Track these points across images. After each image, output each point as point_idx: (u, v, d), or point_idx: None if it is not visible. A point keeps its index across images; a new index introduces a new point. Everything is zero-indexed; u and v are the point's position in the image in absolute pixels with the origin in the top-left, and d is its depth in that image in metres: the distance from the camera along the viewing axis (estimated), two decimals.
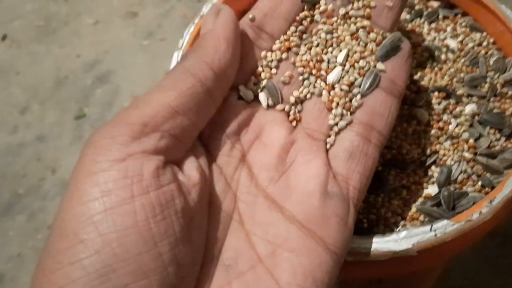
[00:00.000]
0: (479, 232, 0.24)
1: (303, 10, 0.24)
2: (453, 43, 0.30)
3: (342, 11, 0.23)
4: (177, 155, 0.19)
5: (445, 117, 0.27)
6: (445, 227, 0.23)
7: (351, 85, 0.23)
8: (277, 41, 0.23)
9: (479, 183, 0.26)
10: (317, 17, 0.24)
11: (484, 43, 0.30)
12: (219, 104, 0.21)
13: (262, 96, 0.23)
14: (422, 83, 0.28)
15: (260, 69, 0.23)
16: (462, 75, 0.29)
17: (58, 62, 0.64)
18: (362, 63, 0.23)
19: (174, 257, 0.17)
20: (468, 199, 0.26)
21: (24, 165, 0.56)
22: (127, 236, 0.16)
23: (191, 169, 0.19)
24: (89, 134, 0.56)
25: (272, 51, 0.23)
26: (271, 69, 0.23)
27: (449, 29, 0.31)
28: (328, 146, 0.22)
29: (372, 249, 0.23)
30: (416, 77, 0.28)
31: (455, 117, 0.27)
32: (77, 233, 0.16)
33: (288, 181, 0.21)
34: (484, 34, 0.31)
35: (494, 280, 0.44)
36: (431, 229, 0.23)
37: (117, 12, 0.67)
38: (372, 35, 0.23)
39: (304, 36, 0.24)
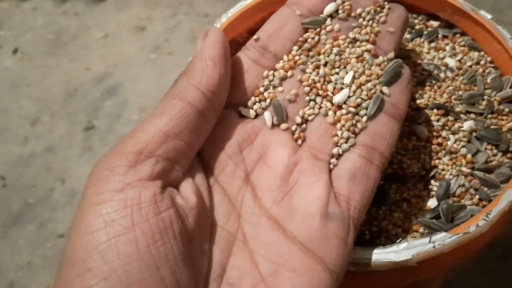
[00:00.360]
0: (476, 244, 0.25)
1: (306, 31, 0.25)
2: (452, 62, 0.31)
3: (351, 35, 0.25)
4: (174, 177, 0.20)
5: (444, 133, 0.28)
6: (443, 239, 0.24)
7: (357, 107, 0.24)
8: (281, 61, 0.24)
9: (477, 196, 0.27)
10: (323, 37, 0.25)
11: (482, 62, 0.31)
12: (214, 123, 0.22)
13: (267, 115, 0.24)
14: (422, 100, 0.29)
15: (262, 88, 0.24)
16: (460, 92, 0.30)
17: (68, 75, 0.66)
18: (368, 86, 0.24)
19: (176, 280, 0.18)
20: (466, 212, 0.27)
21: (34, 176, 0.57)
22: (131, 263, 0.17)
23: (188, 192, 0.20)
24: (98, 145, 0.58)
25: (275, 70, 0.24)
26: (274, 87, 0.24)
27: (448, 48, 0.32)
28: (331, 166, 0.23)
29: (373, 260, 0.24)
30: (416, 95, 0.29)
31: (454, 133, 0.28)
32: (85, 262, 0.17)
33: (291, 202, 0.22)
34: (482, 53, 0.32)
35: None
36: (430, 241, 0.24)
37: (125, 27, 0.69)
38: (377, 59, 0.24)
39: (311, 53, 0.25)
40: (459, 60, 0.31)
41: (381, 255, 0.24)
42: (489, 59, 0.31)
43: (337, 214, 0.21)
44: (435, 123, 0.29)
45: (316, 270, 0.20)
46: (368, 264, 0.24)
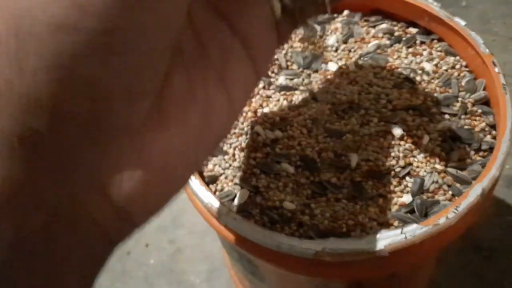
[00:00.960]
0: (447, 236, 0.27)
1: None
2: (428, 66, 0.33)
3: None
4: None
5: (419, 132, 0.30)
6: (414, 230, 0.25)
7: None
8: None
9: (450, 192, 0.28)
10: None
11: (457, 66, 0.33)
12: None
13: None
14: (398, 102, 0.31)
15: None
16: (436, 95, 0.31)
17: None
18: None
19: None
20: (439, 207, 0.28)
21: None
22: None
23: None
24: None
25: None
26: None
27: (425, 53, 0.34)
28: None
29: (347, 250, 0.25)
30: (392, 96, 0.31)
31: (428, 133, 0.30)
32: None
33: None
34: (458, 57, 0.33)
35: None
36: (401, 232, 0.25)
37: None
38: None
39: None
40: (436, 65, 0.33)
41: (355, 245, 0.25)
42: (464, 63, 0.33)
43: None
44: (410, 123, 0.30)
45: None
46: (343, 254, 0.25)
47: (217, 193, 0.30)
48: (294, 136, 0.30)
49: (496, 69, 0.30)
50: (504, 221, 0.50)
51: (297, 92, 0.33)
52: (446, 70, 0.33)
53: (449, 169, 0.29)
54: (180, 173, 0.17)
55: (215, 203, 0.28)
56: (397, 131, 0.29)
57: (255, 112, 0.32)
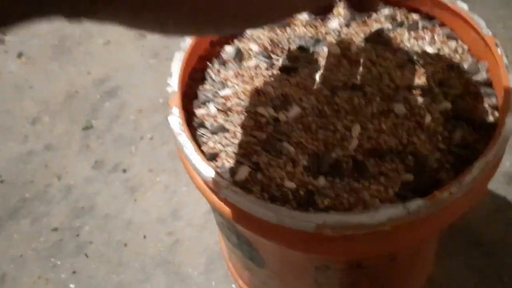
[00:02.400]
0: (450, 214, 0.26)
1: None
2: (430, 49, 0.33)
3: None
4: None
5: (421, 112, 0.30)
6: (417, 205, 0.25)
7: None
8: None
9: (452, 171, 0.28)
10: None
11: (459, 50, 0.33)
12: None
13: None
14: (401, 82, 0.31)
15: None
16: (438, 76, 0.31)
17: (70, 78, 0.68)
18: None
19: None
20: (442, 185, 0.28)
21: (32, 172, 0.58)
22: None
23: None
24: (95, 144, 0.59)
25: None
26: None
27: (427, 37, 0.34)
28: None
29: (349, 224, 0.25)
30: (394, 76, 0.31)
31: (431, 112, 0.30)
32: None
33: None
34: (460, 42, 0.33)
35: None
36: (404, 207, 0.25)
37: (127, 34, 0.71)
38: None
39: None
40: (438, 48, 0.33)
41: (356, 219, 0.25)
42: (466, 47, 0.33)
43: None
44: (413, 103, 0.30)
45: None
46: (344, 227, 0.25)
47: (218, 169, 0.30)
48: (296, 116, 0.30)
49: (499, 50, 0.30)
50: (504, 218, 0.50)
51: (299, 73, 0.33)
52: (449, 54, 0.33)
53: (452, 148, 0.29)
54: None
55: (215, 178, 0.27)
56: (400, 109, 0.29)
57: (257, 91, 0.32)
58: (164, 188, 0.56)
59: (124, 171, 0.58)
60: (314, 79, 0.32)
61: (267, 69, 0.34)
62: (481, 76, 0.31)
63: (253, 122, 0.30)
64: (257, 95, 0.31)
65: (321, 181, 0.28)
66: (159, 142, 0.60)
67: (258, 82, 0.32)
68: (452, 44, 0.33)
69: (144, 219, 0.54)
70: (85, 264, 0.51)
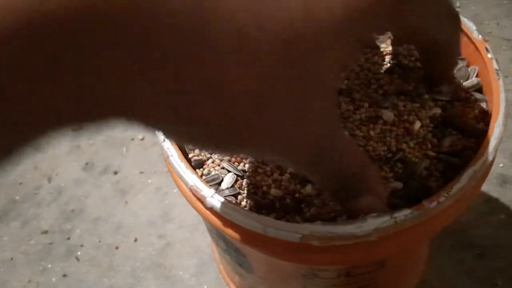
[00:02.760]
0: (438, 222, 0.26)
1: None
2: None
3: None
4: None
5: (410, 118, 0.29)
6: (404, 215, 0.25)
7: None
8: None
9: (441, 179, 0.28)
10: None
11: None
12: None
13: None
14: (390, 87, 0.30)
15: None
16: (428, 81, 0.31)
17: None
18: None
19: None
20: (431, 193, 0.27)
21: (21, 174, 0.58)
22: None
23: None
24: (85, 144, 0.58)
25: None
26: None
27: None
28: None
29: (336, 234, 0.25)
30: (382, 81, 0.30)
31: (420, 119, 0.29)
32: None
33: None
34: None
35: None
36: (392, 217, 0.25)
37: None
38: None
39: None
40: None
41: (343, 229, 0.25)
42: None
43: None
44: (401, 109, 0.29)
45: None
46: (331, 238, 0.25)
47: (204, 177, 0.29)
48: None
49: (489, 55, 0.30)
50: (497, 220, 0.50)
51: None
52: None
53: (441, 156, 0.28)
54: None
55: (200, 186, 0.27)
56: (388, 115, 0.29)
57: None
58: (155, 190, 0.55)
59: (115, 173, 0.57)
60: None
61: None
62: (471, 81, 0.30)
63: None
64: None
65: (308, 189, 0.28)
66: (150, 143, 0.59)
67: None
68: None
69: (135, 222, 0.54)
70: (76, 268, 0.51)
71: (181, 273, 0.50)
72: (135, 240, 0.52)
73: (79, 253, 0.52)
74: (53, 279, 0.50)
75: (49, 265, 0.51)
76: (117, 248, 0.52)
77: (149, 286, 0.49)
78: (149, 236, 0.52)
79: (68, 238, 0.53)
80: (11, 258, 0.52)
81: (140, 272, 0.50)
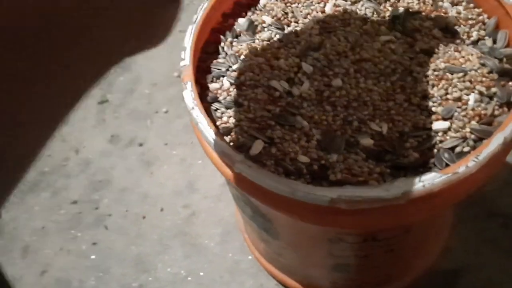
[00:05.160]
0: (466, 186, 0.26)
1: None
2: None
3: None
4: None
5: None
6: (433, 179, 0.25)
7: None
8: None
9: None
10: None
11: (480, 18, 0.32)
12: None
13: None
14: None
15: None
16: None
17: None
18: None
19: None
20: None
21: (49, 146, 0.59)
22: None
23: None
24: (110, 118, 0.59)
25: None
26: None
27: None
28: None
29: (364, 197, 0.25)
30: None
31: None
32: None
33: None
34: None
35: (495, 261, 0.45)
36: (419, 180, 0.25)
37: None
38: None
39: None
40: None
41: (371, 192, 0.25)
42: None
43: None
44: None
45: None
46: (359, 201, 0.25)
47: (232, 144, 0.30)
48: (306, 92, 0.30)
49: None
50: None
51: (301, 41, 0.32)
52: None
53: (472, 122, 0.28)
54: None
55: (229, 152, 0.27)
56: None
57: (271, 64, 0.31)
58: (180, 161, 0.56)
59: (140, 145, 0.58)
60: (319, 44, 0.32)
61: (280, 41, 0.33)
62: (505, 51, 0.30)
63: (266, 96, 0.30)
64: (270, 68, 0.31)
65: (334, 156, 0.28)
66: (174, 116, 0.60)
67: (272, 55, 0.32)
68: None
69: (160, 192, 0.55)
70: (105, 236, 0.52)
71: (206, 241, 0.51)
72: (161, 209, 0.53)
73: (107, 222, 0.53)
74: (83, 247, 0.52)
75: (79, 234, 0.53)
76: (144, 217, 0.53)
77: (176, 253, 0.50)
78: (175, 205, 0.54)
79: (97, 208, 0.54)
80: (43, 227, 0.53)
81: (167, 240, 0.51)
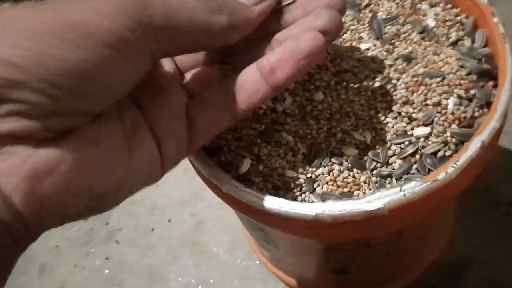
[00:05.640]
0: (447, 193, 0.27)
1: None
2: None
3: None
4: None
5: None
6: (413, 187, 0.26)
7: None
8: None
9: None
10: None
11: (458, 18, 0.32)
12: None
13: None
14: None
15: None
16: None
17: None
18: None
19: None
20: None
21: None
22: None
23: None
24: None
25: None
26: None
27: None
28: None
29: (348, 211, 0.26)
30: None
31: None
32: None
33: None
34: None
35: (499, 250, 0.45)
36: (400, 190, 0.26)
37: None
38: None
39: None
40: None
41: (354, 205, 0.26)
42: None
43: None
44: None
45: None
46: (342, 215, 0.26)
47: (221, 164, 0.30)
48: (289, 108, 0.31)
49: (495, 19, 0.29)
50: None
51: None
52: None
53: (452, 126, 0.28)
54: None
55: (216, 174, 0.28)
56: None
57: None
58: (184, 171, 0.58)
59: None
60: None
61: None
62: (483, 51, 0.30)
63: (251, 115, 0.31)
64: None
65: (320, 168, 0.29)
66: None
67: None
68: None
69: (167, 203, 0.56)
70: (117, 250, 0.54)
71: (215, 249, 0.52)
72: (169, 220, 0.55)
73: (118, 236, 0.55)
74: (97, 262, 0.54)
75: (92, 249, 0.54)
76: (153, 229, 0.55)
77: (187, 262, 0.52)
78: (182, 215, 0.55)
79: (107, 223, 0.56)
80: (57, 246, 0.55)
81: (177, 249, 0.53)
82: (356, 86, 0.31)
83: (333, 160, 0.29)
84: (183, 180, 0.57)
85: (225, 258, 0.51)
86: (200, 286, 0.50)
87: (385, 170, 0.28)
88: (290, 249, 0.36)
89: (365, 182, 0.28)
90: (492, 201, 0.48)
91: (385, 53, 0.31)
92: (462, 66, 0.30)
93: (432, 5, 0.33)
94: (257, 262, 0.50)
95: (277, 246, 0.37)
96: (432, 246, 0.42)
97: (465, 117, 0.28)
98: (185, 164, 0.57)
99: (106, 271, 0.53)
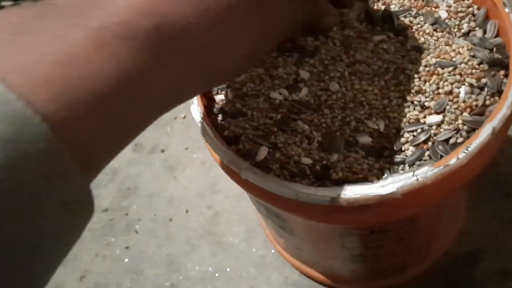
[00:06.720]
0: (458, 177, 0.27)
1: None
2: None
3: None
4: None
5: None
6: (426, 172, 0.26)
7: None
8: None
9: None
10: None
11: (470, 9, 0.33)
12: None
13: None
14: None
15: None
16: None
17: None
18: None
19: None
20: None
21: None
22: None
23: None
24: None
25: None
26: None
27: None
28: None
29: (362, 195, 0.27)
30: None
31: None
32: None
33: None
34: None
35: None
36: (413, 175, 0.27)
37: None
38: None
39: None
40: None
41: (368, 190, 0.27)
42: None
43: None
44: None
45: None
46: (357, 199, 0.27)
47: (239, 152, 0.32)
48: (305, 97, 0.32)
49: (507, 10, 0.30)
50: None
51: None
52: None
53: (464, 114, 0.29)
54: None
55: (235, 160, 0.30)
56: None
57: (270, 74, 0.33)
58: (200, 164, 0.59)
59: (162, 151, 0.61)
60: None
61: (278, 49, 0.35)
62: (495, 41, 0.31)
63: (268, 104, 0.32)
64: (270, 78, 0.33)
65: (335, 155, 0.30)
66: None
67: (270, 65, 0.34)
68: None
69: (185, 195, 0.57)
70: (136, 240, 0.56)
71: (231, 239, 0.53)
72: (187, 211, 0.56)
73: (137, 226, 0.56)
74: (117, 251, 0.55)
75: (112, 239, 0.56)
76: (171, 220, 0.56)
77: (204, 252, 0.53)
78: (199, 207, 0.56)
79: (127, 214, 0.57)
80: None
81: (194, 240, 0.54)
82: (369, 76, 0.32)
83: (347, 147, 0.30)
84: (200, 172, 0.58)
85: (241, 248, 0.53)
86: (217, 275, 0.51)
87: (398, 157, 0.29)
88: (306, 235, 0.37)
89: (379, 169, 0.29)
90: (504, 191, 0.48)
91: (398, 44, 0.32)
92: (473, 56, 0.30)
93: None
94: (273, 251, 0.51)
95: (293, 233, 0.38)
96: (444, 235, 0.43)
97: (476, 105, 0.29)
98: (202, 157, 0.59)
99: (126, 260, 0.54)
